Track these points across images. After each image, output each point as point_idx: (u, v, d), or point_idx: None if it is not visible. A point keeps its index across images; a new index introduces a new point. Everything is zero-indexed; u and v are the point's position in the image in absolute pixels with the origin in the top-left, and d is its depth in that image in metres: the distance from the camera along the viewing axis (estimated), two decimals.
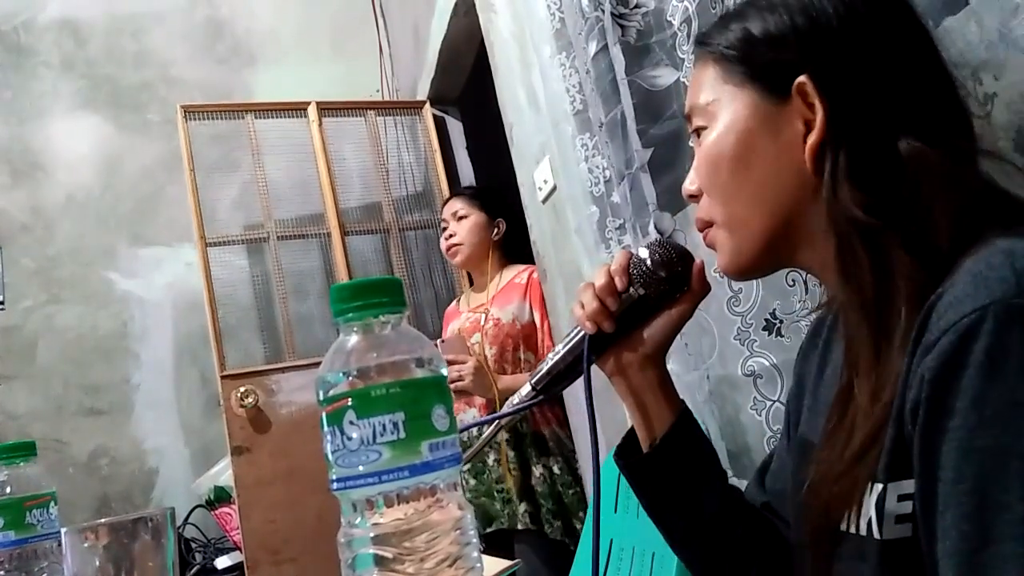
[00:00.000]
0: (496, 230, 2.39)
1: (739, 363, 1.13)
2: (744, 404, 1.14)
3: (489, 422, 0.85)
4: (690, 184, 0.75)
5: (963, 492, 0.48)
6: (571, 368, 0.83)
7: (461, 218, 2.39)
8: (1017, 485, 0.46)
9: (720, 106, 0.69)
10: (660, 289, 0.80)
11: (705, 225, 0.74)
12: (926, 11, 0.79)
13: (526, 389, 0.84)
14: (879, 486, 0.57)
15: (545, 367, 0.84)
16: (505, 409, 0.84)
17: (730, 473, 1.20)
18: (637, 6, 1.26)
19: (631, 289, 0.80)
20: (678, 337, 1.22)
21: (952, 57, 0.73)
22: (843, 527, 0.61)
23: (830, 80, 0.63)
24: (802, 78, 0.64)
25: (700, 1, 1.11)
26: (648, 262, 0.79)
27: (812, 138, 0.64)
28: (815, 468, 0.63)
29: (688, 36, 1.14)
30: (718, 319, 1.16)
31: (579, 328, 0.82)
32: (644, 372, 0.82)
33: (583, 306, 0.81)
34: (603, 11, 1.29)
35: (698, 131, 0.73)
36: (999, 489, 0.46)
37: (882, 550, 0.58)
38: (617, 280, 0.79)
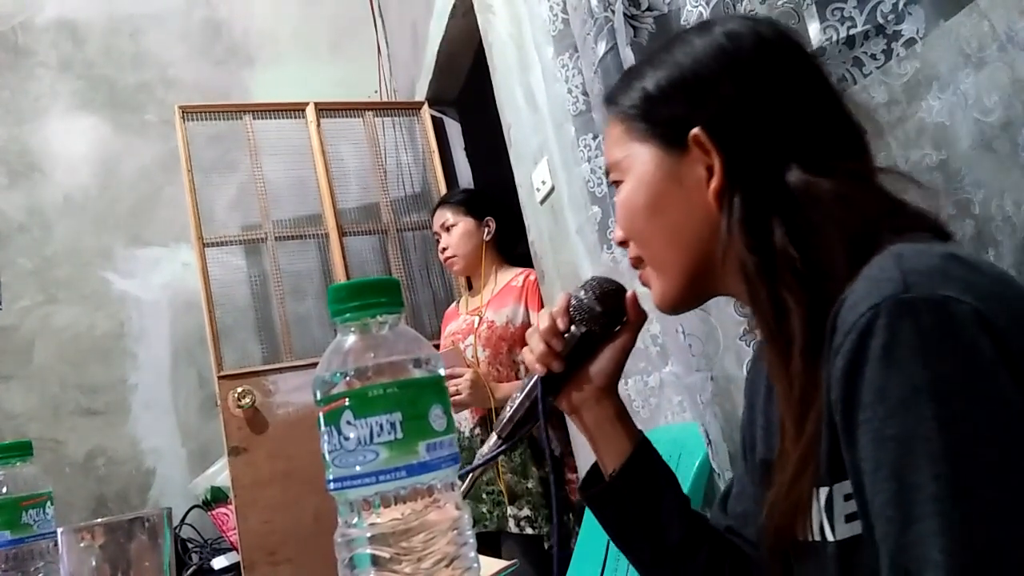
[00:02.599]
0: (487, 230, 2.39)
1: (744, 364, 1.13)
2: None
3: (464, 475, 0.86)
4: (617, 232, 0.80)
5: (882, 479, 0.52)
6: (530, 412, 0.86)
7: (449, 228, 2.39)
8: (927, 465, 0.49)
9: (630, 162, 0.75)
10: (601, 324, 0.84)
11: (637, 262, 0.79)
12: (932, 8, 0.81)
13: (493, 438, 0.87)
14: (825, 489, 0.61)
15: (507, 415, 0.87)
16: (476, 461, 0.87)
17: (728, 474, 1.20)
18: (649, 8, 1.26)
19: (573, 328, 0.84)
20: (682, 338, 1.23)
21: (955, 57, 0.74)
22: (800, 538, 0.65)
23: (721, 128, 0.69)
24: (696, 130, 0.69)
25: (714, 6, 1.11)
26: (585, 300, 0.83)
27: (713, 183, 0.69)
28: (771, 491, 0.67)
29: None
30: (724, 321, 1.16)
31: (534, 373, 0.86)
32: (600, 405, 0.86)
33: (532, 351, 0.85)
34: (613, 12, 1.29)
35: (616, 184, 0.78)
36: (912, 472, 0.50)
37: (838, 551, 0.61)
38: (559, 321, 0.84)
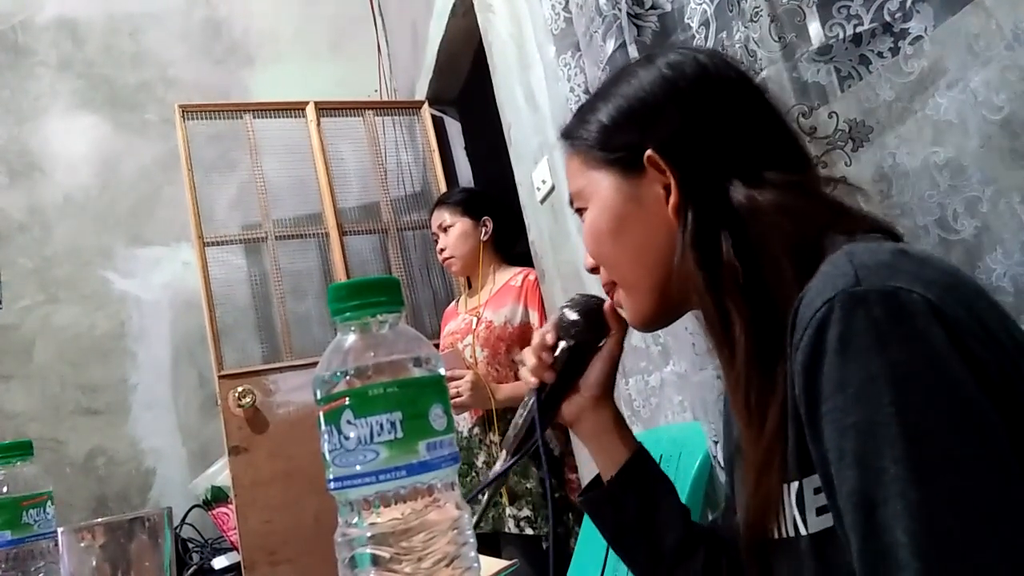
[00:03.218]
0: (484, 230, 2.38)
1: None
2: None
3: (479, 492, 0.93)
4: (587, 259, 0.84)
5: (847, 467, 0.53)
6: (532, 426, 0.91)
7: (447, 228, 2.39)
8: (887, 449, 0.51)
9: (592, 188, 0.79)
10: (587, 336, 0.89)
11: (610, 287, 0.83)
12: (940, 6, 0.81)
13: (503, 455, 0.93)
14: (795, 484, 0.63)
15: (512, 432, 0.92)
16: (490, 477, 0.93)
17: None
18: (653, 7, 1.26)
19: (561, 343, 0.89)
20: (687, 336, 1.24)
21: (962, 55, 0.76)
22: (775, 535, 0.66)
23: (671, 147, 0.73)
24: (649, 152, 0.73)
25: (718, 4, 1.11)
26: (569, 315, 0.90)
27: (672, 200, 0.73)
28: (743, 492, 0.69)
29: (706, 39, 1.14)
30: None
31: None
32: (596, 414, 0.90)
33: (527, 367, 0.91)
34: (620, 10, 1.29)
35: (580, 212, 0.82)
36: (874, 457, 0.52)
37: (812, 544, 0.63)
38: (548, 336, 0.90)
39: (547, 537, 2.07)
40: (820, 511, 0.62)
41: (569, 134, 0.83)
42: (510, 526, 2.08)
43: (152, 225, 3.51)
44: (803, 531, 0.63)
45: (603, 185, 0.78)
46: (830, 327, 0.54)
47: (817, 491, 0.61)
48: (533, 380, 0.89)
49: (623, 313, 0.83)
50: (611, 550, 1.40)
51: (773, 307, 0.63)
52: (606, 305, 0.89)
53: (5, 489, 0.95)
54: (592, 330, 0.89)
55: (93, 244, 3.44)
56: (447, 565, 0.52)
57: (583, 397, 0.90)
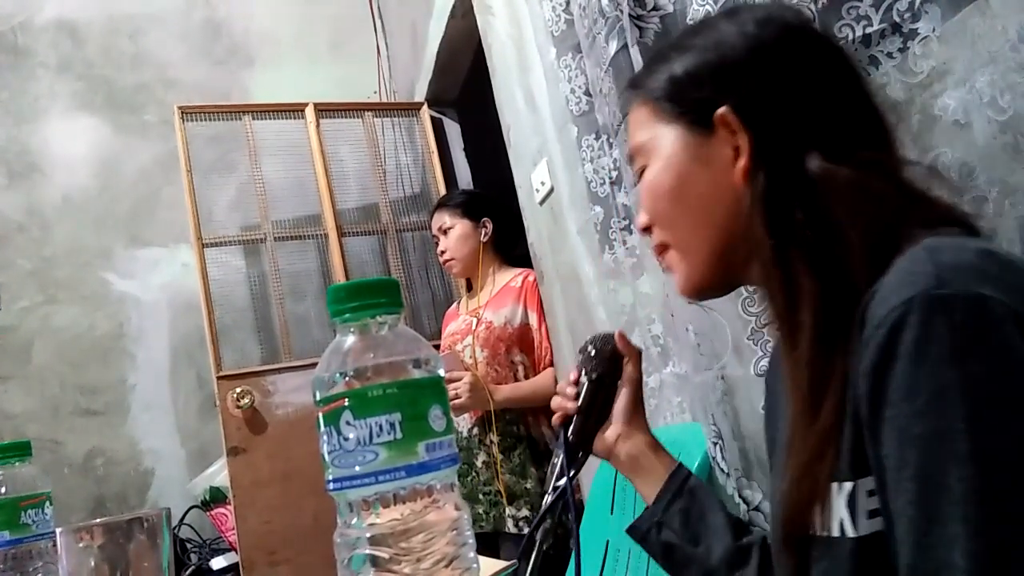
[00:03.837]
0: (484, 231, 2.39)
1: (752, 363, 1.13)
2: (757, 403, 1.13)
3: (537, 525, 0.95)
4: (641, 217, 0.80)
5: (907, 478, 0.51)
6: (566, 462, 0.93)
7: (447, 231, 2.39)
8: (953, 467, 0.48)
9: (655, 143, 0.75)
10: (604, 367, 0.93)
11: (661, 249, 0.79)
12: (948, 6, 0.81)
13: (547, 497, 0.94)
14: (848, 485, 0.60)
15: (548, 469, 0.95)
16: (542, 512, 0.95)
17: (739, 472, 1.20)
18: (655, 8, 1.26)
19: (583, 377, 0.93)
20: (691, 337, 1.24)
21: (969, 56, 0.76)
22: (815, 532, 0.63)
23: (747, 108, 0.69)
24: (722, 110, 0.69)
25: (722, 5, 1.11)
26: (586, 350, 0.94)
27: (741, 162, 0.69)
28: (783, 478, 0.66)
29: None
30: (732, 320, 1.16)
31: None
32: (630, 440, 0.91)
33: (554, 407, 0.95)
34: (622, 11, 1.29)
35: (640, 171, 0.78)
36: (938, 472, 0.49)
37: (858, 547, 0.60)
38: (571, 374, 0.94)
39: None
40: (872, 514, 0.58)
41: (637, 83, 0.78)
42: (509, 526, 2.08)
43: (151, 226, 3.51)
44: (851, 533, 0.60)
45: (668, 140, 0.73)
46: (906, 329, 0.51)
47: (870, 494, 0.58)
48: (559, 414, 0.93)
49: (674, 277, 0.79)
50: (610, 547, 1.39)
51: (842, 288, 0.59)
52: (617, 333, 0.92)
53: (4, 489, 0.96)
54: (609, 362, 0.93)
55: (92, 245, 3.44)
56: (446, 566, 0.52)
57: (614, 427, 0.91)
